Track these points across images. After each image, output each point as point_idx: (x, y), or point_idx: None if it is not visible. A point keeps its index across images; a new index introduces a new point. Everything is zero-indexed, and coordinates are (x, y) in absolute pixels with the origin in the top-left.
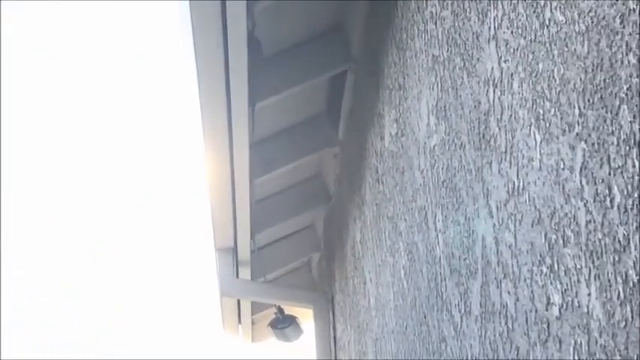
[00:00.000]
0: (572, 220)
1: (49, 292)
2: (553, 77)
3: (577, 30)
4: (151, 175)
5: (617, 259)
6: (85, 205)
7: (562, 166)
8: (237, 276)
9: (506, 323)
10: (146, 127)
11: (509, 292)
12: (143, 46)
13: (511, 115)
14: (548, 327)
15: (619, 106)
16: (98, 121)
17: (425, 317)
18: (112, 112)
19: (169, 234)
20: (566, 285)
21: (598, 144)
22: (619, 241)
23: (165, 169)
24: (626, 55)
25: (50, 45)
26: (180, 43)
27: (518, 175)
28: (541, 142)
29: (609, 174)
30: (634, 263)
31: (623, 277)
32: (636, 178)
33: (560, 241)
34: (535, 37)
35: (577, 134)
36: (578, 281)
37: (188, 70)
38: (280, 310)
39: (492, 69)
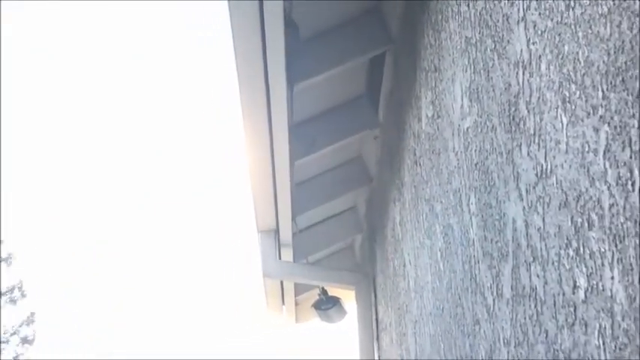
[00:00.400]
0: (596, 203)
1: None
2: (578, 59)
3: (600, 12)
4: (193, 159)
5: (637, 242)
6: (131, 188)
7: (587, 149)
8: (280, 258)
9: (535, 306)
10: (187, 113)
11: (538, 276)
12: (182, 30)
13: (539, 98)
14: (574, 310)
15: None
16: (142, 105)
17: (460, 299)
18: (155, 96)
19: (213, 218)
20: (591, 269)
21: (620, 127)
22: None
23: (206, 153)
24: None
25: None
26: (218, 28)
27: (546, 158)
28: (567, 125)
29: (630, 157)
30: None
31: None
32: None
33: (586, 225)
34: (561, 19)
35: (601, 117)
36: (603, 265)
37: (226, 54)
38: (324, 292)
39: (521, 51)
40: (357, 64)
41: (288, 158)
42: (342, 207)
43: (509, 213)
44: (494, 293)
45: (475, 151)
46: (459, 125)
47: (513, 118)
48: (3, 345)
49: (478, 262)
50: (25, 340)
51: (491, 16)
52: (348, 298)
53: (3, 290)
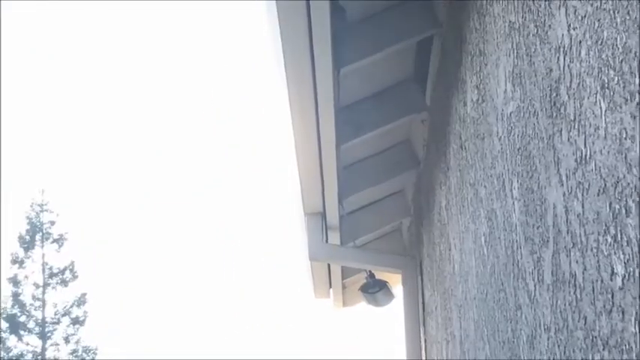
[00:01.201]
0: (633, 190)
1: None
2: (616, 45)
3: None
4: (240, 143)
5: None
6: (182, 174)
7: (624, 136)
8: (327, 241)
9: (574, 292)
10: (233, 96)
11: (577, 262)
12: (227, 15)
13: (579, 83)
14: (612, 297)
15: None
16: (190, 89)
17: (502, 284)
18: (203, 82)
19: (260, 202)
20: (629, 255)
21: None
22: None
23: (253, 137)
24: None
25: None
26: (264, 10)
27: (585, 144)
28: (606, 111)
29: None
30: None
31: None
32: None
33: (623, 211)
34: (600, 5)
35: (638, 103)
36: (639, 252)
37: (272, 37)
38: (371, 275)
39: (562, 36)
40: (404, 48)
41: (335, 141)
42: (389, 190)
43: (550, 198)
44: (536, 279)
45: (518, 135)
46: (503, 110)
47: (554, 104)
48: (54, 325)
49: (520, 247)
50: (75, 321)
51: (534, 0)
52: (395, 281)
53: (54, 271)
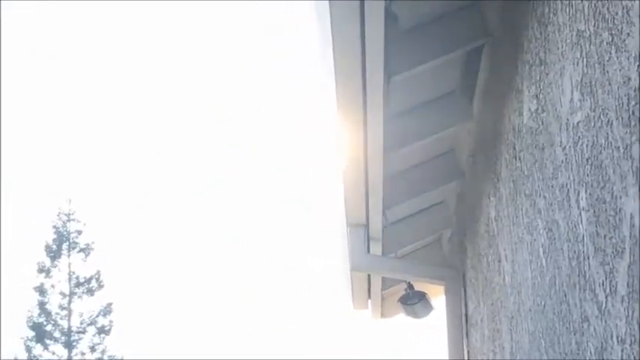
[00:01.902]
0: None
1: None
2: None
3: None
4: (285, 150)
5: None
6: (215, 181)
7: None
8: (369, 251)
9: None
10: (279, 101)
11: None
12: (278, 20)
13: None
14: None
15: None
16: (236, 95)
17: (565, 296)
18: (248, 85)
19: (303, 209)
20: None
21: None
22: None
23: (297, 144)
24: None
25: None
26: (316, 16)
27: None
28: None
29: None
30: None
31: None
32: None
33: None
34: None
35: None
36: None
37: (323, 41)
38: (410, 286)
39: None
40: (454, 57)
41: (382, 151)
42: (431, 201)
43: (627, 209)
44: (607, 290)
45: (586, 145)
46: (568, 119)
47: (633, 113)
48: (80, 335)
49: (588, 258)
50: (101, 330)
51: (608, 9)
52: (436, 293)
53: (81, 280)
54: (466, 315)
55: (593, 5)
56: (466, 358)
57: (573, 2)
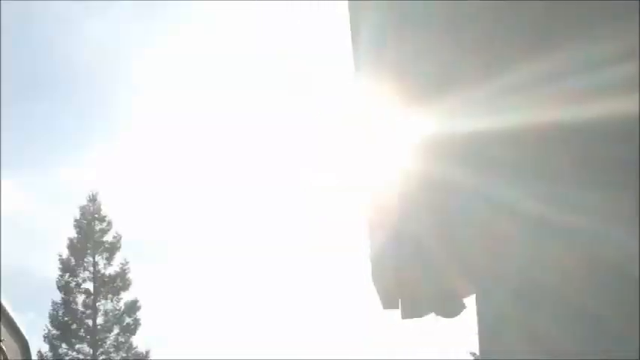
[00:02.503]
0: None
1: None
2: None
3: None
4: (314, 146)
5: None
6: (243, 174)
7: None
8: (399, 250)
9: None
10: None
11: None
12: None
13: None
14: None
15: None
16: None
17: (602, 290)
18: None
19: (333, 204)
20: None
21: None
22: None
23: (330, 151)
24: None
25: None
26: None
27: None
28: None
29: None
30: None
31: None
32: None
33: None
34: None
35: None
36: None
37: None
38: (441, 286)
39: None
40: None
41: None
42: None
43: None
44: None
45: None
46: None
47: None
48: (105, 333)
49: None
50: (126, 329)
51: None
52: (465, 291)
53: (105, 279)
54: (498, 313)
55: None
56: (498, 357)
57: None
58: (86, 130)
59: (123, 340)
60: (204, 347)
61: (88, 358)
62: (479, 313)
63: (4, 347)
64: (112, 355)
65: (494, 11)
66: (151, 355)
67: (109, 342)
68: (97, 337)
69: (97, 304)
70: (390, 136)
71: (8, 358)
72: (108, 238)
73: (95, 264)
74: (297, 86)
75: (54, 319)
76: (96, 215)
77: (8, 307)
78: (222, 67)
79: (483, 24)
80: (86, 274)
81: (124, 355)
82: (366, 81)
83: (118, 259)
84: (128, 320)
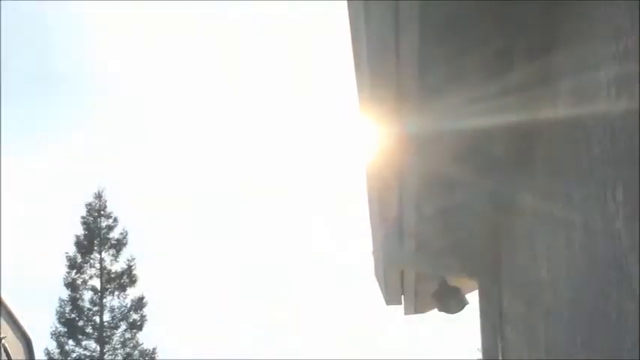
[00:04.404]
0: None
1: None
2: None
3: None
4: (318, 142)
5: None
6: (247, 172)
7: None
8: (402, 246)
9: None
10: (310, 95)
11: None
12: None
13: None
14: None
15: None
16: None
17: (602, 291)
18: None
19: (335, 202)
20: None
21: None
22: None
23: (330, 143)
24: None
25: None
26: None
27: None
28: None
29: None
30: None
31: None
32: None
33: None
34: None
35: None
36: None
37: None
38: (444, 282)
39: None
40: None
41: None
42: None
43: None
44: None
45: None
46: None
47: None
48: (112, 330)
49: (625, 255)
50: (133, 325)
51: None
52: (468, 287)
53: (112, 276)
54: (500, 310)
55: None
56: (500, 353)
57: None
58: (91, 126)
59: (129, 336)
60: (210, 342)
61: (95, 354)
62: (481, 310)
63: (6, 345)
64: (119, 351)
65: (495, 11)
66: (158, 352)
67: (115, 338)
68: (104, 334)
69: (103, 300)
70: (390, 133)
71: (11, 356)
72: (114, 234)
73: (102, 261)
74: (298, 85)
75: (61, 317)
76: (102, 212)
77: (13, 305)
78: (221, 67)
79: (483, 24)
80: (93, 271)
81: (131, 351)
82: (366, 78)
83: (125, 255)
84: (135, 317)
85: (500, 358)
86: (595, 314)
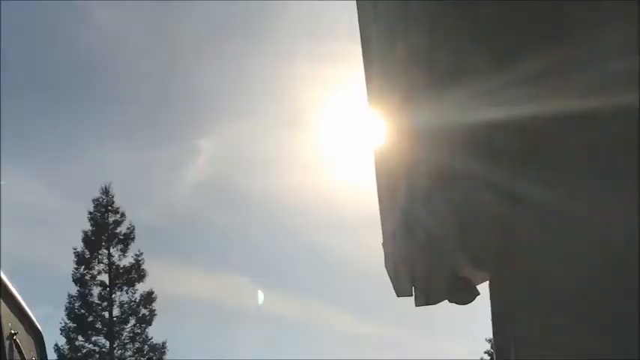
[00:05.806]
0: None
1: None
2: None
3: None
4: (331, 133)
5: None
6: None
7: None
8: (412, 239)
9: None
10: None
11: None
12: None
13: None
14: None
15: None
16: None
17: (610, 288)
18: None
19: (346, 193)
20: None
21: None
22: None
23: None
24: None
25: None
26: None
27: None
28: None
29: None
30: None
31: None
32: None
33: None
34: None
35: None
36: None
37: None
38: (454, 273)
39: None
40: None
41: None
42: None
43: None
44: None
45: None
46: None
47: None
48: (121, 325)
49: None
50: (142, 320)
51: None
52: (479, 279)
53: (121, 271)
54: (511, 302)
55: None
56: (511, 345)
57: None
58: (98, 122)
59: (139, 331)
60: (219, 337)
61: (105, 349)
62: (492, 300)
63: (18, 341)
64: (129, 346)
65: (502, 7)
66: (168, 346)
67: (125, 333)
68: (114, 329)
69: (112, 295)
70: (399, 125)
71: (23, 351)
72: (122, 229)
73: (110, 256)
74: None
75: (70, 312)
76: (109, 207)
77: (24, 301)
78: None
79: (491, 17)
80: (101, 266)
81: (141, 345)
82: (375, 73)
83: (133, 250)
84: (144, 311)
85: (512, 349)
86: (601, 308)
